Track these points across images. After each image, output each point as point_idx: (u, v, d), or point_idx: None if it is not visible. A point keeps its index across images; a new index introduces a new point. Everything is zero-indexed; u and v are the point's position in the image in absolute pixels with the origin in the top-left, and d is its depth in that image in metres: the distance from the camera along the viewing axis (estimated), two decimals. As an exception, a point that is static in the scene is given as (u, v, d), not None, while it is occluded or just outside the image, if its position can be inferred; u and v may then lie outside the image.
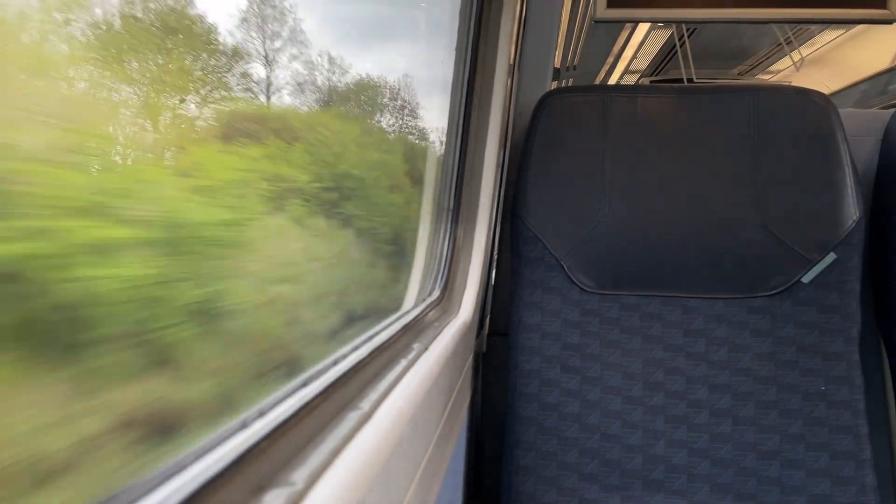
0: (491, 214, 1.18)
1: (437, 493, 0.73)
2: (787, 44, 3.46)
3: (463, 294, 1.13)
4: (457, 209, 1.14)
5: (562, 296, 1.12)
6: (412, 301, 1.07)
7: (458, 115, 1.12)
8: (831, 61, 3.71)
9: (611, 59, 4.17)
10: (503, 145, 1.22)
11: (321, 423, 0.47)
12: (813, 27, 3.24)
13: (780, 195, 1.10)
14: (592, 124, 1.15)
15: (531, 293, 1.13)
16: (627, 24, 3.41)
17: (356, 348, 0.63)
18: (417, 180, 1.15)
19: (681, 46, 3.52)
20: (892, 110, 1.23)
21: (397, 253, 1.16)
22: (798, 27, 3.23)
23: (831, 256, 1.08)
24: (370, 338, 0.69)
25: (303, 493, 0.38)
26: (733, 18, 1.27)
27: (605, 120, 1.15)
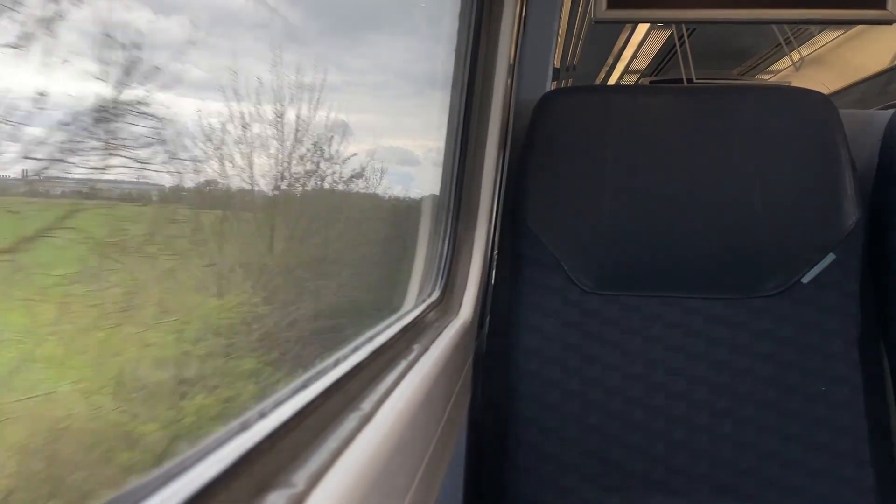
0: (491, 215, 1.18)
1: (437, 494, 0.73)
2: (786, 44, 3.46)
3: (463, 295, 1.13)
4: (457, 210, 1.14)
5: (562, 296, 1.12)
6: (412, 302, 1.07)
7: (457, 115, 1.12)
8: (831, 61, 3.71)
9: (610, 60, 4.18)
10: (503, 146, 1.22)
11: (322, 425, 0.47)
12: (812, 27, 3.24)
13: (780, 196, 1.10)
14: (592, 124, 1.15)
15: (531, 294, 1.13)
16: (627, 25, 3.41)
17: (356, 349, 0.63)
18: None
19: (680, 46, 3.52)
20: (892, 110, 1.23)
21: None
22: (798, 27, 3.23)
23: (831, 257, 1.08)
24: (370, 339, 0.69)
25: (304, 495, 0.38)
26: (733, 19, 1.26)
27: (604, 120, 1.14)
